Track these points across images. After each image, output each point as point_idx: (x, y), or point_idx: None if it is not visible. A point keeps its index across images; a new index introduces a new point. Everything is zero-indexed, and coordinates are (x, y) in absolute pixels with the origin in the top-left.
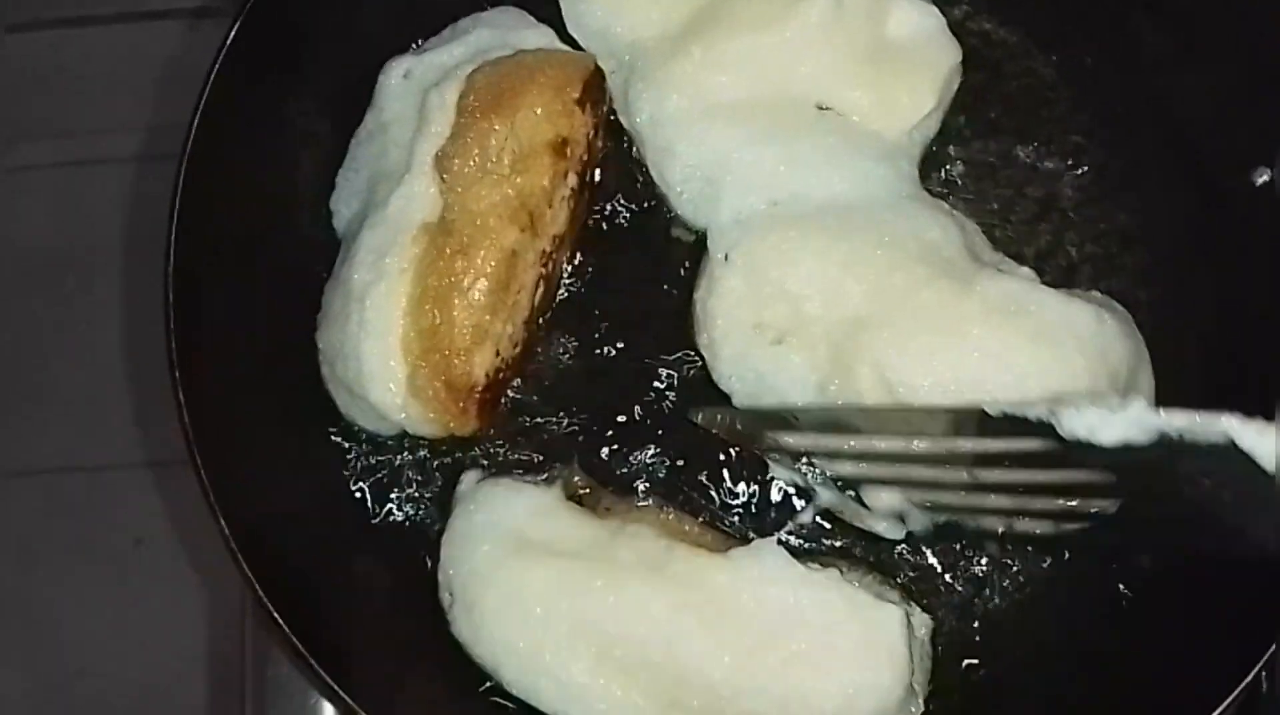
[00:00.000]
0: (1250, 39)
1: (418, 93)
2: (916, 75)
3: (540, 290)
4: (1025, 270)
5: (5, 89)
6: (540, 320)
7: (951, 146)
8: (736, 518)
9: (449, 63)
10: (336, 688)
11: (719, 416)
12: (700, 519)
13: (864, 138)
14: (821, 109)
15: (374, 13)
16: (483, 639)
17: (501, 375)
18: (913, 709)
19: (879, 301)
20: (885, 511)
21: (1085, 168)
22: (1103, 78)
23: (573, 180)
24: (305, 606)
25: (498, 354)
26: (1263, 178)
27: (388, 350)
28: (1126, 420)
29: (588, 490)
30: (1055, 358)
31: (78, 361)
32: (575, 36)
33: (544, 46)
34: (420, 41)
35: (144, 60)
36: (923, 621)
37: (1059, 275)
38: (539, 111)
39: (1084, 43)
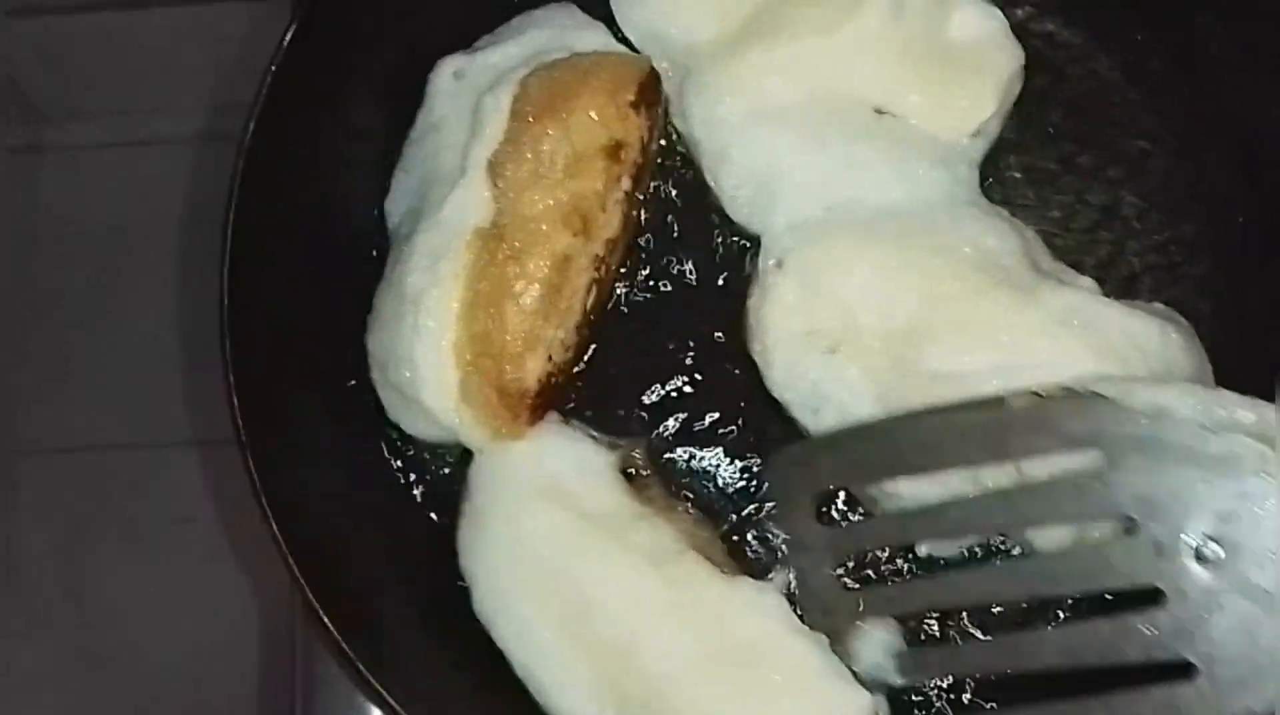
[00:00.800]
0: None
1: (470, 94)
2: (977, 79)
3: (593, 294)
4: (1086, 281)
5: (61, 68)
6: (590, 322)
7: (1012, 153)
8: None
9: (502, 64)
10: (380, 688)
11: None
12: (730, 543)
13: (922, 142)
14: (879, 113)
15: (430, 6)
16: (474, 548)
17: (554, 380)
18: None
19: (935, 311)
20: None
21: (1149, 175)
22: (1168, 83)
23: (626, 183)
24: (349, 604)
25: (550, 359)
26: None
27: (442, 355)
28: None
29: (645, 473)
30: (1118, 372)
31: (129, 340)
32: (629, 38)
33: (599, 48)
34: (473, 38)
35: (199, 43)
36: None
37: (1120, 285)
38: (593, 115)
39: (1150, 46)
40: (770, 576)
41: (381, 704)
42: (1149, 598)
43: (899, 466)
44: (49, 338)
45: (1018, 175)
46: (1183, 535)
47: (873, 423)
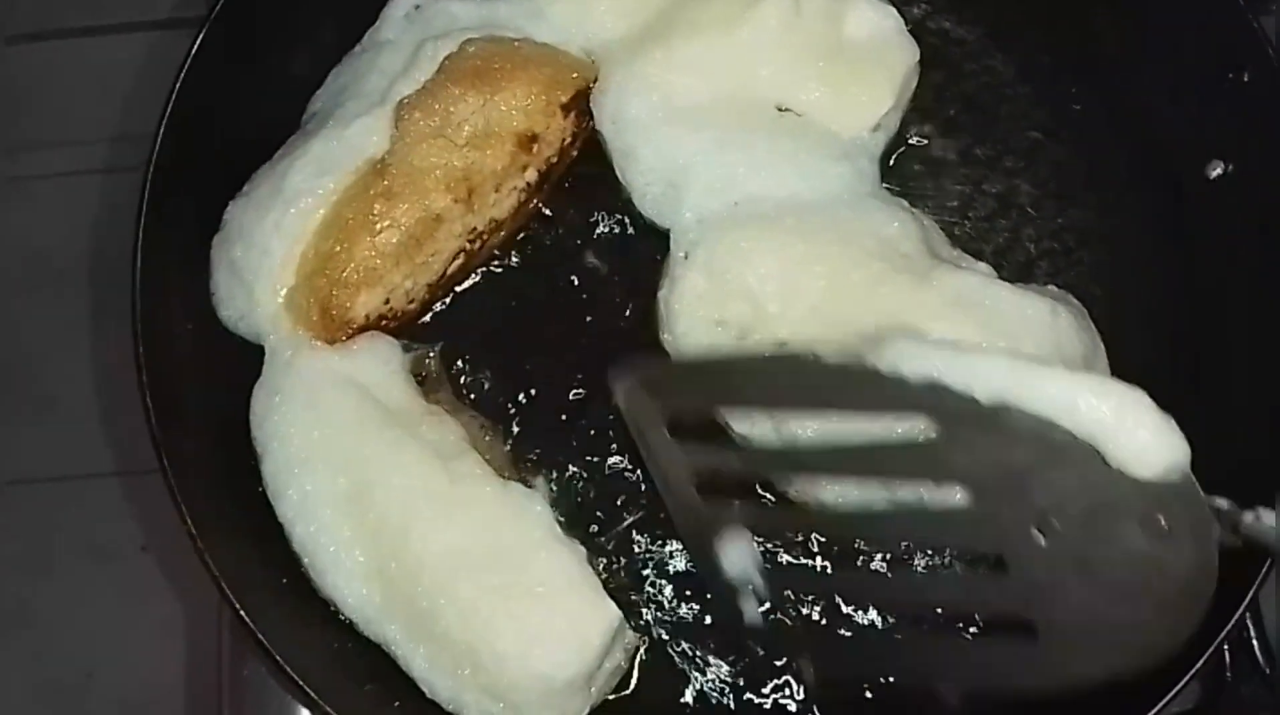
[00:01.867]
0: (1203, 35)
1: (419, 30)
2: (874, 75)
3: (459, 262)
4: (983, 266)
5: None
6: (447, 287)
7: (911, 146)
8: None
9: (461, 16)
10: (310, 691)
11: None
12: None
13: (823, 138)
14: (781, 110)
15: None
16: (269, 418)
17: (384, 323)
18: (579, 702)
19: (838, 299)
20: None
21: (1043, 165)
22: (1060, 75)
23: (531, 175)
24: (275, 612)
25: (387, 302)
26: (1216, 171)
27: (287, 257)
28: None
29: (431, 377)
30: (1008, 349)
31: (78, 368)
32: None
33: (555, 43)
34: None
35: (114, 71)
36: (634, 640)
37: (1016, 271)
38: (520, 101)
39: (1042, 41)
40: (533, 485)
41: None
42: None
43: (739, 398)
44: None
45: (918, 167)
46: (1022, 506)
47: (724, 357)
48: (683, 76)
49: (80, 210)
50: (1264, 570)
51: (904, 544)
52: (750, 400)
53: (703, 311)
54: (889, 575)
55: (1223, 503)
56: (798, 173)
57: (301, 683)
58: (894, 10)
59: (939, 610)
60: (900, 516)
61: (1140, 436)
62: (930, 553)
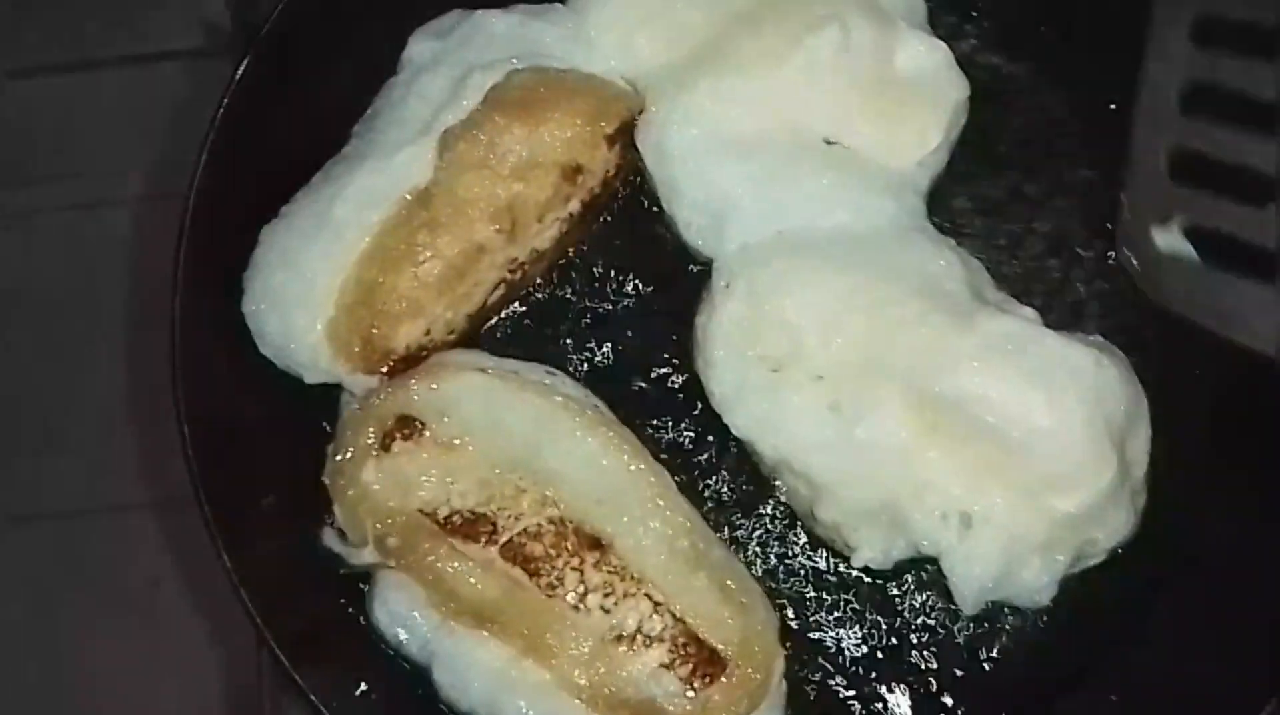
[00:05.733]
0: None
1: (455, 53)
2: (924, 109)
3: (499, 293)
4: (1028, 311)
5: (8, 135)
6: (488, 317)
7: (959, 183)
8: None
9: (498, 37)
10: None
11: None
12: None
13: (871, 172)
14: (829, 143)
15: None
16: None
17: (424, 353)
18: None
19: (877, 335)
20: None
21: (1096, 204)
22: (1112, 113)
23: (575, 206)
24: (313, 649)
25: (428, 333)
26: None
27: (330, 287)
28: None
29: None
30: (1050, 400)
31: (85, 404)
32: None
33: (601, 73)
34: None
35: (142, 102)
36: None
37: (1066, 312)
38: (565, 132)
39: (1094, 77)
40: None
41: None
42: None
43: None
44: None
45: (967, 204)
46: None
47: None
48: (729, 108)
49: (80, 244)
50: None
51: None
52: None
53: (739, 339)
54: None
55: None
56: (844, 206)
57: None
58: (944, 45)
59: None
60: None
61: None
62: None
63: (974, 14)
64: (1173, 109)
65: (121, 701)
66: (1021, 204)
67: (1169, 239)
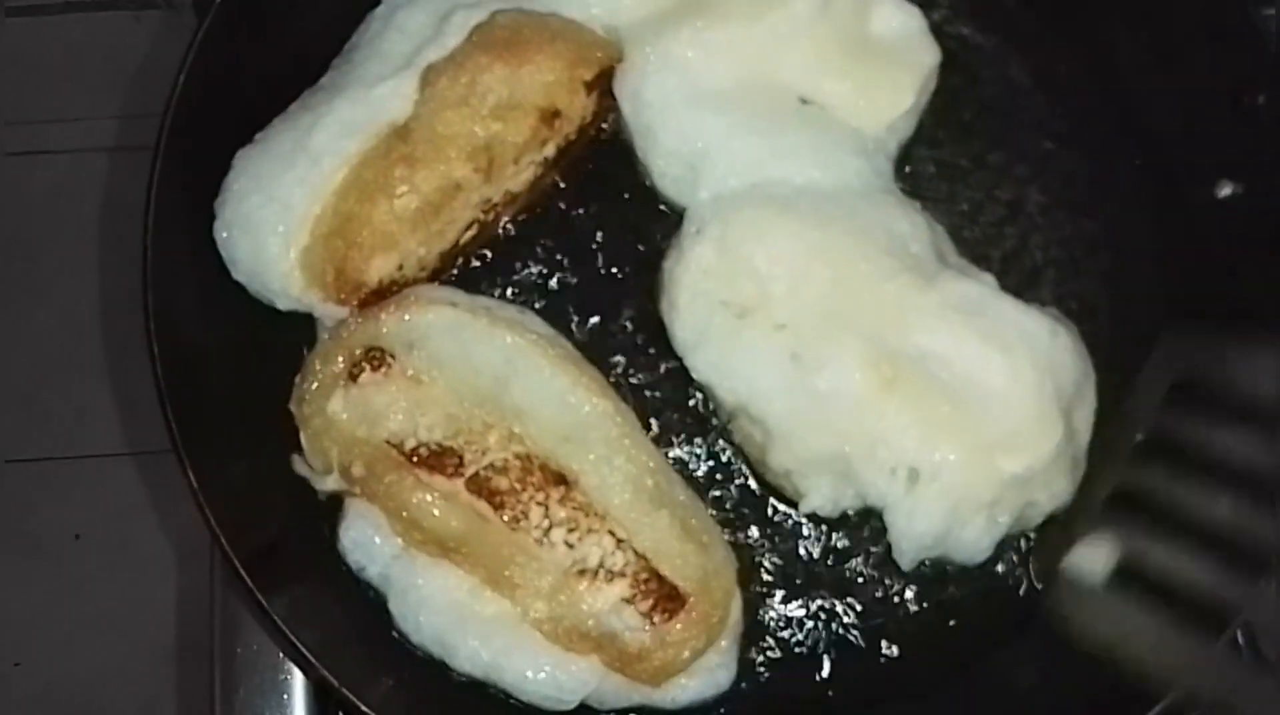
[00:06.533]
0: (1219, 56)
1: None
2: (897, 73)
3: (472, 232)
4: (988, 277)
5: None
6: (460, 254)
7: (925, 148)
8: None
9: None
10: (308, 654)
11: None
12: None
13: (843, 132)
14: (804, 102)
15: None
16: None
17: (395, 288)
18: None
19: (843, 290)
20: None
21: (1055, 174)
22: (1076, 86)
23: (550, 150)
24: (278, 578)
25: (400, 268)
26: (1225, 191)
27: (306, 215)
28: None
29: None
30: (1005, 363)
31: (14, 356)
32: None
33: (581, 19)
34: None
35: (107, 51)
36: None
37: (1023, 278)
38: (545, 76)
39: (1060, 50)
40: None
41: (301, 662)
42: None
43: None
44: None
45: (931, 170)
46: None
47: None
48: (707, 59)
49: (81, 186)
50: None
51: None
52: None
53: (706, 284)
54: None
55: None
56: (817, 163)
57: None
58: (919, 11)
59: None
60: None
61: None
62: None
63: None
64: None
65: (41, 651)
66: (984, 171)
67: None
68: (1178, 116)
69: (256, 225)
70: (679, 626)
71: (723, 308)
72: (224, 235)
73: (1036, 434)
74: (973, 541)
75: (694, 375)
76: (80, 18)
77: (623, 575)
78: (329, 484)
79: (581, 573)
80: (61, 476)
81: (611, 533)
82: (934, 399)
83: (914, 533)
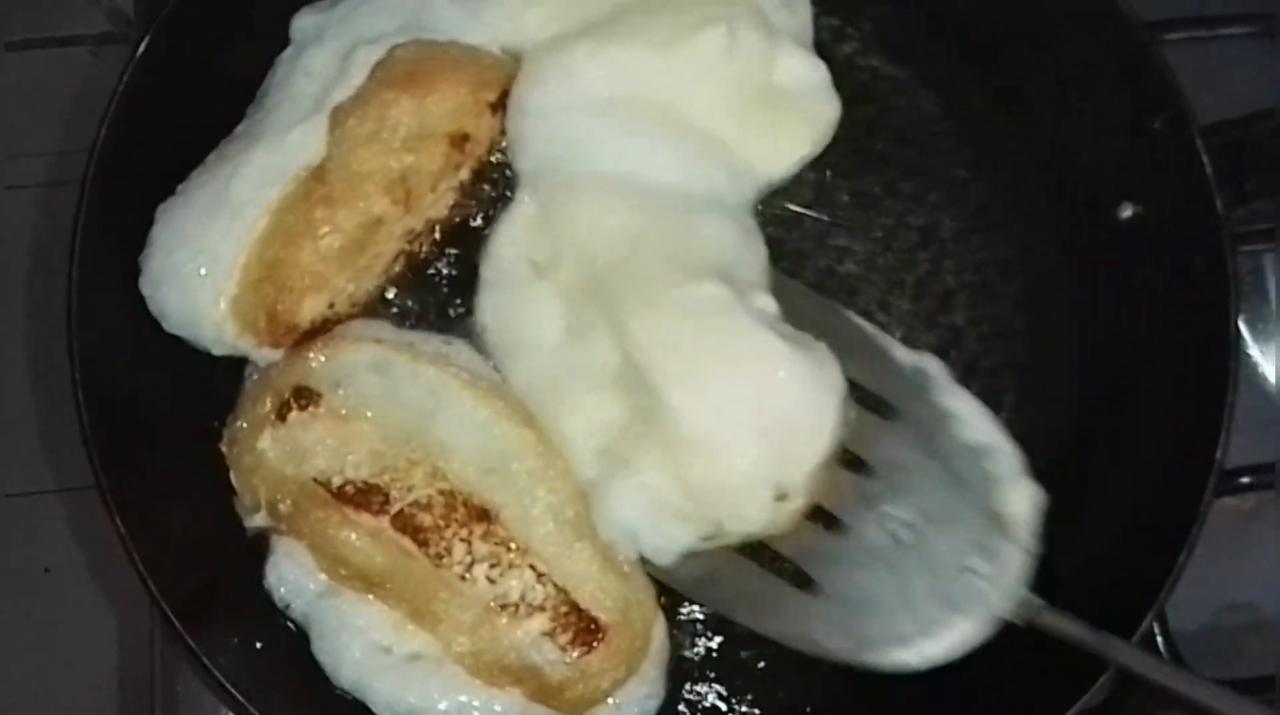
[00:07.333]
0: (1119, 83)
1: (348, 34)
2: (796, 123)
3: (399, 263)
4: (787, 327)
5: None
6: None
7: (839, 176)
8: None
9: (385, 19)
10: (239, 697)
11: None
12: None
13: (723, 155)
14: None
15: None
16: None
17: (329, 326)
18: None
19: (627, 277)
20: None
21: (966, 200)
22: (986, 115)
23: (464, 174)
24: (210, 621)
25: (331, 306)
26: (1127, 212)
27: (233, 263)
28: None
29: None
30: (721, 378)
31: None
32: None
33: (480, 43)
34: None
35: (49, 87)
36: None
37: (936, 302)
38: (450, 103)
39: (967, 80)
40: None
41: (232, 704)
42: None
43: None
44: None
45: (845, 198)
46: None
47: None
48: (603, 76)
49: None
50: None
51: None
52: None
53: (521, 237)
54: None
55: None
56: (679, 170)
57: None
58: (823, 64)
59: None
60: None
61: None
62: None
63: (856, 19)
64: None
65: (8, 688)
66: (896, 199)
67: None
68: (1082, 141)
69: (185, 280)
70: (597, 658)
71: (526, 261)
72: (150, 292)
73: (729, 455)
74: (659, 544)
75: (478, 314)
76: (39, 54)
77: (542, 609)
78: (256, 521)
79: (503, 607)
80: (29, 511)
81: (533, 567)
82: (650, 396)
83: (608, 519)
